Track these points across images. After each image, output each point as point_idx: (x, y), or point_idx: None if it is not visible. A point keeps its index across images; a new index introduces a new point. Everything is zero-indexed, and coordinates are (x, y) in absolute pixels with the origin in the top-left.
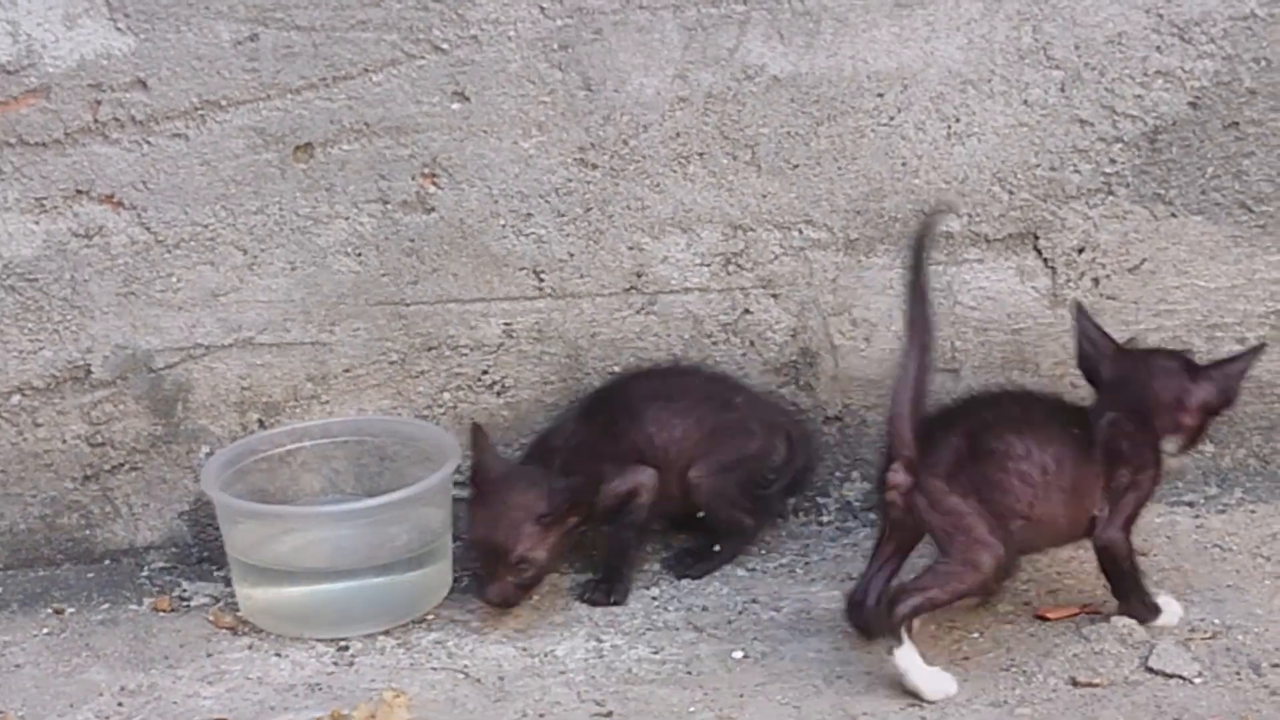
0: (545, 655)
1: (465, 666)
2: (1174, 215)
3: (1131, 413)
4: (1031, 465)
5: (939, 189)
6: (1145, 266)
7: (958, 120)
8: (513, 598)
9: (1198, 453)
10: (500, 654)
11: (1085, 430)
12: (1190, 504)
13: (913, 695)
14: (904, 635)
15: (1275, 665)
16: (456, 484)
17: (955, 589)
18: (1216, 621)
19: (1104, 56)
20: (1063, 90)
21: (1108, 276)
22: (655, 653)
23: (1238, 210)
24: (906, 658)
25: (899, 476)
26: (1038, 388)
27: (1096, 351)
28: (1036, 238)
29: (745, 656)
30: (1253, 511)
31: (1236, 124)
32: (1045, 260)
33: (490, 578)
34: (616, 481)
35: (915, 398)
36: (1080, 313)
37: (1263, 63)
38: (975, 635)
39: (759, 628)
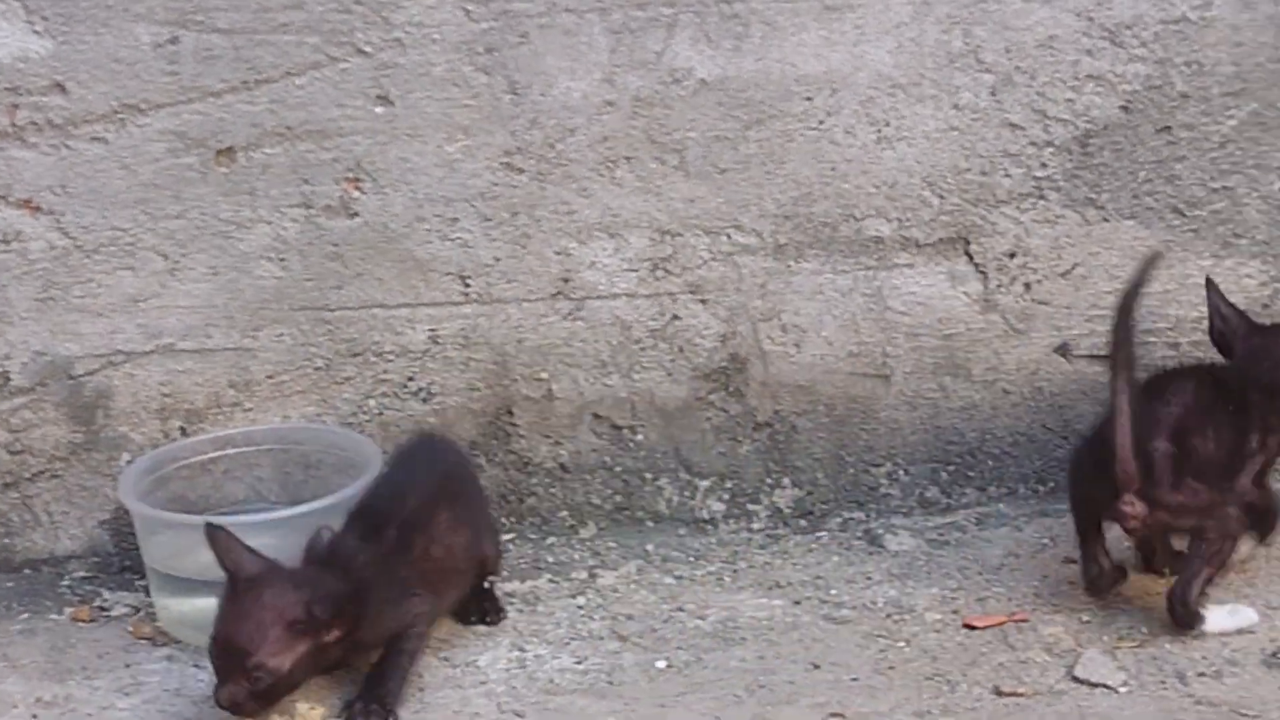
0: (467, 665)
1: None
2: (1106, 220)
3: (1264, 386)
4: (1216, 457)
5: (868, 193)
6: (1077, 271)
7: (887, 124)
8: (246, 706)
9: None
10: (421, 664)
11: (1236, 400)
12: None
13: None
14: (1203, 613)
15: (1201, 674)
16: None
17: (1222, 560)
18: (1144, 630)
19: (1035, 60)
20: (993, 94)
21: (1039, 281)
22: (578, 662)
23: (1170, 215)
24: (1216, 622)
25: (1136, 508)
26: (1191, 364)
27: (1228, 328)
28: (967, 242)
29: (668, 666)
30: None
31: (1168, 128)
32: (976, 265)
33: (225, 678)
34: (396, 614)
35: (1136, 430)
36: (1211, 289)
37: (1194, 66)
38: (901, 645)
39: (684, 636)
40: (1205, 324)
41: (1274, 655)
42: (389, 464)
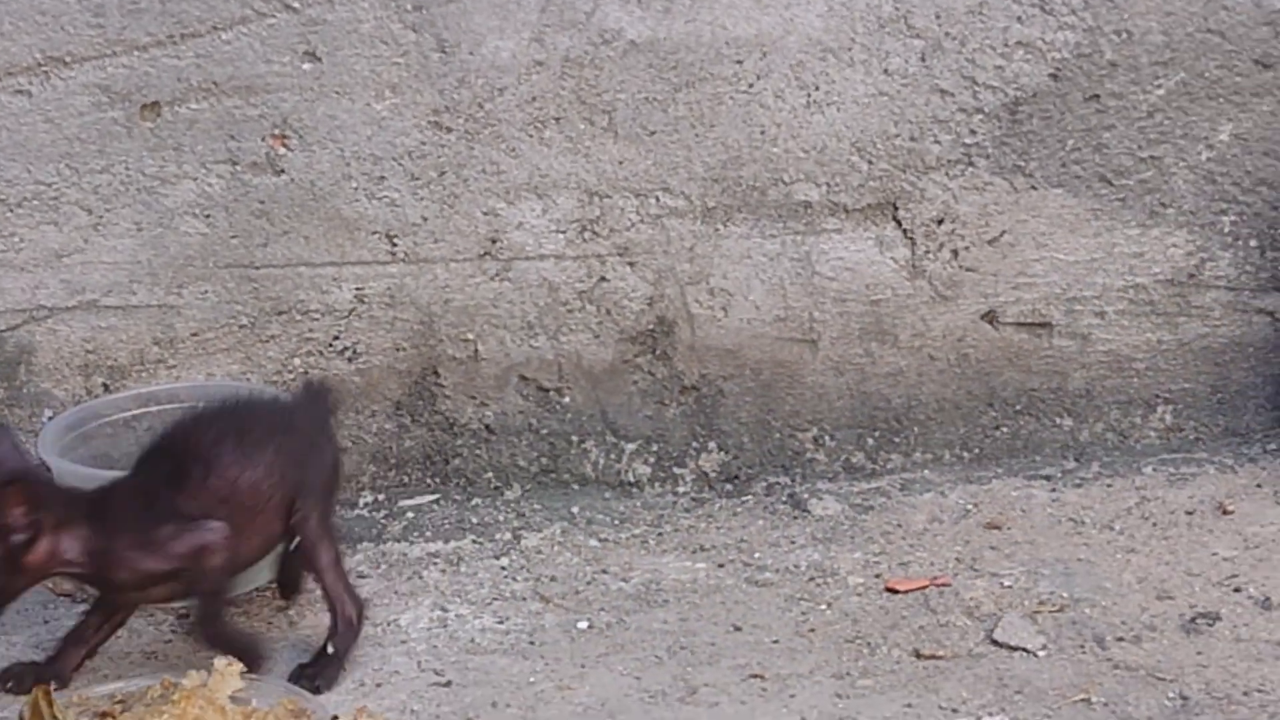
0: (388, 624)
1: (306, 636)
2: (1034, 188)
3: None
4: None
5: (798, 158)
6: (1005, 239)
7: (817, 89)
8: None
9: (1055, 427)
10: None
11: None
12: (1047, 477)
13: None
14: None
15: (1120, 639)
16: None
17: None
18: (1065, 594)
19: (965, 26)
20: (923, 60)
21: (967, 248)
22: (500, 622)
23: (1097, 183)
24: None
25: None
26: None
27: None
28: (896, 208)
29: (590, 627)
30: (1109, 486)
31: (1097, 96)
32: (904, 231)
33: None
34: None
35: None
36: None
37: (1124, 35)
38: (823, 608)
39: (606, 598)
40: (1130, 291)
41: (1192, 620)
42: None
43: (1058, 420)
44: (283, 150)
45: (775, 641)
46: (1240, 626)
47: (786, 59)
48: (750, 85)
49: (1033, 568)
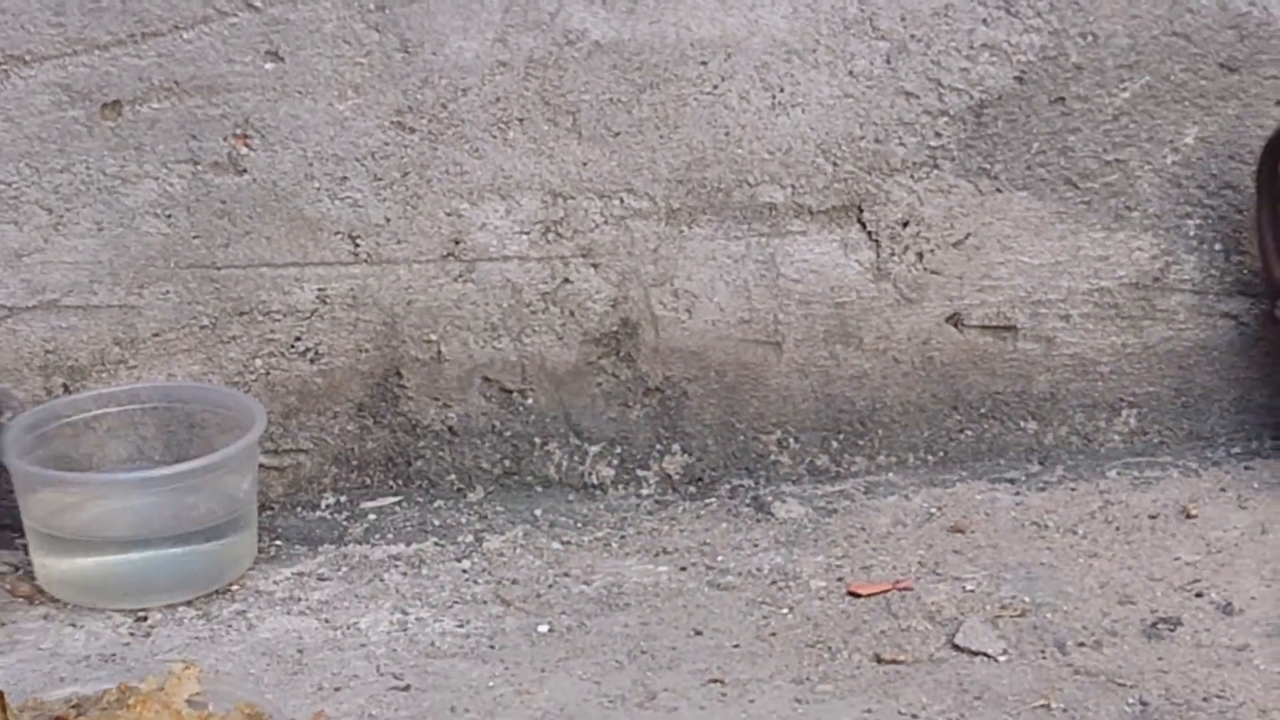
0: (348, 628)
1: (265, 639)
2: (999, 190)
3: None
4: None
5: (762, 159)
6: (970, 241)
7: (782, 90)
8: None
9: (1019, 430)
10: (302, 626)
11: None
12: (1011, 481)
13: None
14: None
15: (1081, 644)
16: (264, 452)
17: None
18: (1027, 599)
19: (930, 28)
20: (888, 62)
21: (932, 251)
22: (460, 626)
23: (1063, 186)
24: None
25: None
26: None
27: None
28: (860, 210)
29: (551, 630)
30: (1073, 489)
31: (1063, 99)
32: (869, 233)
33: None
34: None
35: None
36: None
37: (1089, 38)
38: (784, 612)
39: (568, 601)
40: (1095, 295)
41: (1154, 625)
42: None
43: (1022, 424)
44: (245, 150)
45: (736, 646)
46: (1201, 632)
47: (751, 60)
48: (715, 87)
49: (995, 572)
